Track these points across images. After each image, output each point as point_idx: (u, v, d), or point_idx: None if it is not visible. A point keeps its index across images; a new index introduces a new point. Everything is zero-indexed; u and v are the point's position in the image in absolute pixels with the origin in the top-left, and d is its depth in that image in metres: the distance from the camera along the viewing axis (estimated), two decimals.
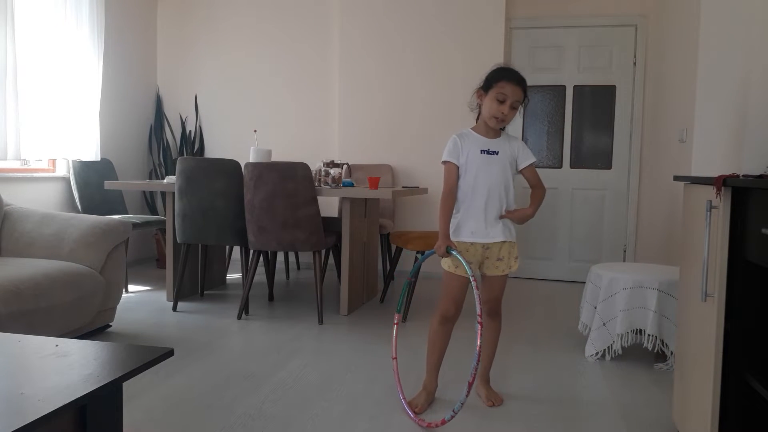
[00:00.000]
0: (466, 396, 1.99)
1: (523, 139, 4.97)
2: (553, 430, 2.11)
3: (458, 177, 2.21)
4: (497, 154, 2.20)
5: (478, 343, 2.02)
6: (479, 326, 2.03)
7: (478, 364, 2.00)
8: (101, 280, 2.93)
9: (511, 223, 2.26)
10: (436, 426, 2.08)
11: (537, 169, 2.35)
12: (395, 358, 2.42)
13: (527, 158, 2.26)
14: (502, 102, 2.12)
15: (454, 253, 2.14)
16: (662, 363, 2.81)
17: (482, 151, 2.20)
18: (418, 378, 2.42)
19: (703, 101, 3.43)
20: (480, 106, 2.22)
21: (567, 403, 2.36)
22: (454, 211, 2.23)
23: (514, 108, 2.14)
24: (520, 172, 2.28)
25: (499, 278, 2.28)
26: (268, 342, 3.05)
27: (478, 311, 2.04)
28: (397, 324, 2.45)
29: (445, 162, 2.22)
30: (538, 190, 2.28)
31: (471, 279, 2.10)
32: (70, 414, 0.95)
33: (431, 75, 4.91)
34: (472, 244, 2.21)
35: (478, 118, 2.27)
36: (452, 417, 2.03)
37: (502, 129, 2.27)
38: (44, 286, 2.55)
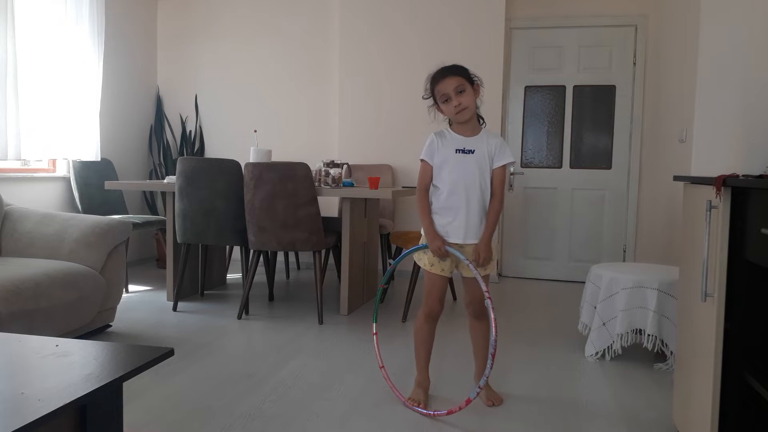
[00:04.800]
0: (490, 368, 2.09)
1: (522, 139, 4.97)
2: (553, 430, 2.11)
3: (433, 177, 2.23)
4: (473, 152, 2.20)
5: (493, 330, 2.08)
6: (491, 313, 2.10)
7: (495, 344, 2.08)
8: (101, 280, 2.93)
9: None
10: (461, 408, 2.12)
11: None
12: (382, 366, 2.42)
13: (502, 158, 2.20)
14: (448, 100, 2.16)
15: (450, 250, 2.17)
16: (662, 363, 2.81)
17: (457, 150, 2.20)
18: None
19: (703, 101, 3.43)
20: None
21: (567, 403, 2.36)
22: (432, 211, 2.24)
23: (461, 92, 2.15)
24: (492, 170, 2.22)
25: (475, 280, 2.25)
26: (268, 342, 3.05)
27: (491, 311, 2.10)
28: (376, 334, 2.47)
29: (422, 159, 2.25)
30: (494, 202, 2.21)
31: (479, 278, 2.14)
32: (70, 414, 0.96)
33: None
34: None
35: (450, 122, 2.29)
36: (477, 395, 2.10)
37: (483, 124, 2.28)
38: (44, 286, 2.55)
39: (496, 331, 2.08)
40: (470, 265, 2.14)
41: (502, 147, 2.21)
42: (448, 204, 2.20)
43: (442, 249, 2.17)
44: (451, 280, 3.03)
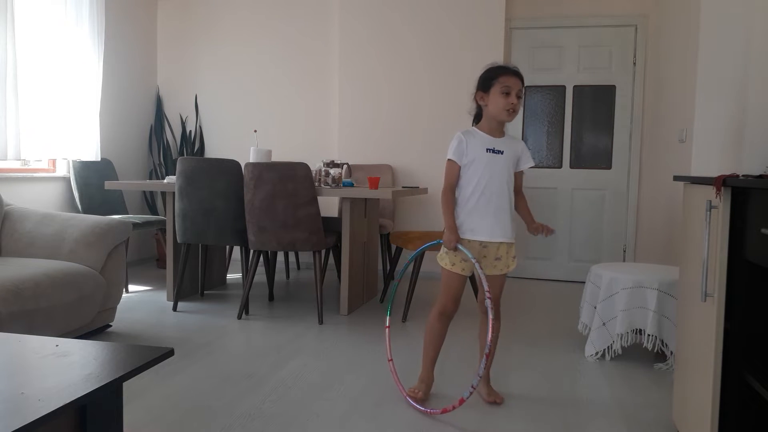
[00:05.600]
0: (485, 368, 2.10)
1: (523, 139, 4.98)
2: (553, 429, 2.11)
3: (460, 175, 2.25)
4: (502, 153, 2.23)
5: (489, 331, 2.12)
6: (490, 314, 2.12)
7: (491, 345, 2.12)
8: (101, 280, 2.93)
9: (512, 225, 2.27)
10: (454, 408, 2.13)
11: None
12: (391, 359, 2.45)
13: (527, 161, 2.32)
14: (507, 94, 2.17)
15: (460, 247, 2.18)
16: (662, 363, 2.81)
17: (488, 150, 2.22)
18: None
19: (703, 101, 3.43)
20: (481, 108, 2.26)
21: (567, 403, 2.36)
22: (456, 208, 2.26)
23: (519, 97, 2.19)
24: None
25: (497, 277, 2.29)
26: (268, 342, 3.05)
27: (489, 304, 2.12)
28: (388, 327, 2.50)
29: (449, 159, 2.26)
30: (522, 200, 2.37)
31: (483, 277, 2.16)
32: (70, 414, 0.96)
33: (430, 75, 4.91)
34: (469, 241, 2.23)
35: (476, 120, 2.30)
36: (471, 394, 2.10)
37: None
38: (44, 286, 2.55)
39: (491, 331, 2.11)
40: (480, 270, 2.15)
41: (526, 151, 2.32)
42: (476, 202, 2.22)
43: (452, 244, 2.19)
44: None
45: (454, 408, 2.13)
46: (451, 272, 2.26)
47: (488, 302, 2.13)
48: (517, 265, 4.97)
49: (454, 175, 2.25)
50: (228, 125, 5.44)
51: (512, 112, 2.18)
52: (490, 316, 2.11)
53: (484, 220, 2.21)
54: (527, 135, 5.00)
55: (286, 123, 5.31)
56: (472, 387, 2.09)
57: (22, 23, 3.94)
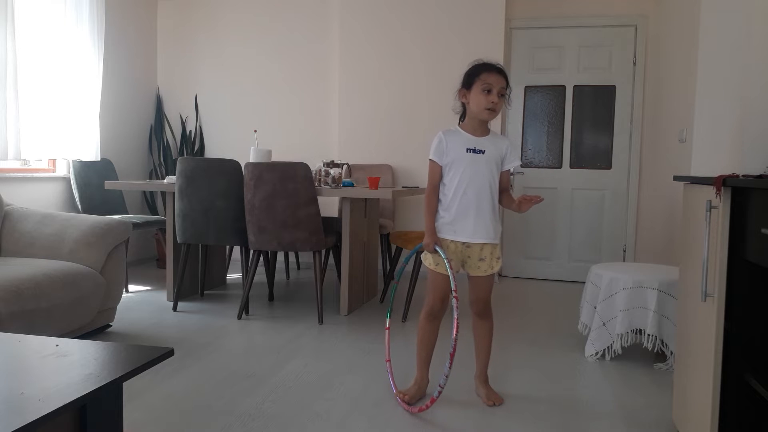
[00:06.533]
0: (449, 368, 2.10)
1: (522, 139, 4.98)
2: (553, 429, 2.11)
3: (442, 175, 2.24)
4: (483, 152, 2.21)
5: (455, 329, 2.09)
6: (455, 312, 2.11)
7: (455, 343, 2.09)
8: (101, 280, 2.93)
9: (495, 226, 2.26)
10: (427, 407, 2.17)
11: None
12: (389, 360, 2.46)
13: (513, 160, 2.28)
14: (489, 92, 2.15)
15: (438, 249, 2.19)
16: (662, 363, 2.81)
17: (468, 150, 2.20)
18: None
19: (703, 101, 3.43)
20: (465, 106, 2.25)
21: (567, 403, 2.36)
22: (439, 208, 2.26)
23: (501, 96, 2.17)
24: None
25: (483, 278, 2.28)
26: (268, 342, 3.05)
27: (455, 310, 2.11)
28: (388, 329, 2.51)
29: (430, 159, 2.26)
30: (508, 196, 2.30)
31: (451, 277, 2.16)
32: (70, 414, 0.95)
33: (431, 76, 4.91)
34: (452, 241, 2.23)
35: (462, 118, 2.30)
36: (440, 393, 2.13)
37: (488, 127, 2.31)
38: (44, 286, 2.55)
39: (457, 330, 2.09)
40: (450, 270, 2.15)
41: (512, 149, 2.28)
42: (458, 202, 2.21)
43: (430, 247, 2.21)
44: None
45: (427, 407, 2.17)
46: (435, 272, 2.26)
47: (454, 301, 2.13)
48: (518, 265, 5.02)
49: (436, 175, 2.25)
50: (228, 125, 5.44)
51: (492, 111, 2.16)
52: (455, 315, 2.10)
53: (466, 220, 2.21)
54: (527, 135, 5.00)
55: (286, 123, 5.31)
56: (440, 386, 2.11)
57: (22, 23, 3.94)
